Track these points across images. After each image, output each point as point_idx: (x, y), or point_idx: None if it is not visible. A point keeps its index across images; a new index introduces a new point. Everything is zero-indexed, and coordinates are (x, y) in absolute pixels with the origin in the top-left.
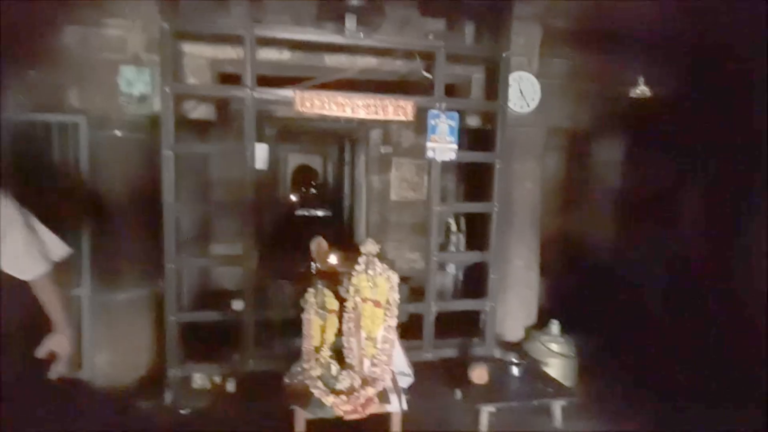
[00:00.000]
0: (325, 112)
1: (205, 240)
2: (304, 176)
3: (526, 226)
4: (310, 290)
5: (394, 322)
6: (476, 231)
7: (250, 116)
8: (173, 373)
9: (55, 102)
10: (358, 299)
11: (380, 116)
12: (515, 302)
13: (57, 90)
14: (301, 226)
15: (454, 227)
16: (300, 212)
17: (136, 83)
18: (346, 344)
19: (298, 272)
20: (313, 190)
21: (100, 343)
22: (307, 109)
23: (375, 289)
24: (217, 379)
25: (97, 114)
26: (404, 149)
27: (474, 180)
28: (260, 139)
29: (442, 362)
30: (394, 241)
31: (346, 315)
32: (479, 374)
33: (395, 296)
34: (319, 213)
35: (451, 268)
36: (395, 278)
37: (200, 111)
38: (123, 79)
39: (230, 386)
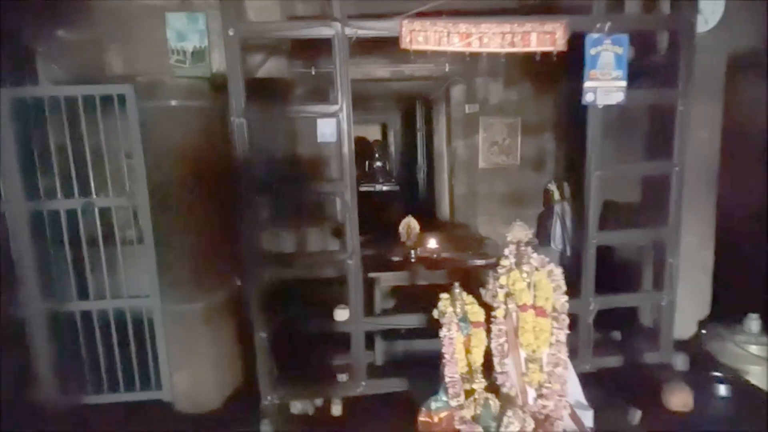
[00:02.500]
0: (443, 47)
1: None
2: (362, 147)
3: (701, 192)
4: (444, 296)
5: (563, 335)
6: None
7: (341, 61)
8: (268, 398)
9: (94, 69)
10: (512, 306)
11: (519, 48)
12: (685, 290)
13: (95, 53)
14: (367, 203)
15: (557, 195)
16: (363, 188)
17: (189, 34)
18: (498, 368)
19: (392, 262)
20: (378, 163)
21: (177, 360)
22: (418, 44)
23: (534, 291)
24: (319, 402)
25: (145, 80)
26: (493, 106)
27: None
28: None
29: (607, 375)
30: (485, 215)
31: (495, 328)
32: (682, 399)
33: (563, 299)
34: (385, 188)
35: (557, 243)
36: (559, 274)
37: (268, 67)
38: (172, 31)
39: (336, 409)
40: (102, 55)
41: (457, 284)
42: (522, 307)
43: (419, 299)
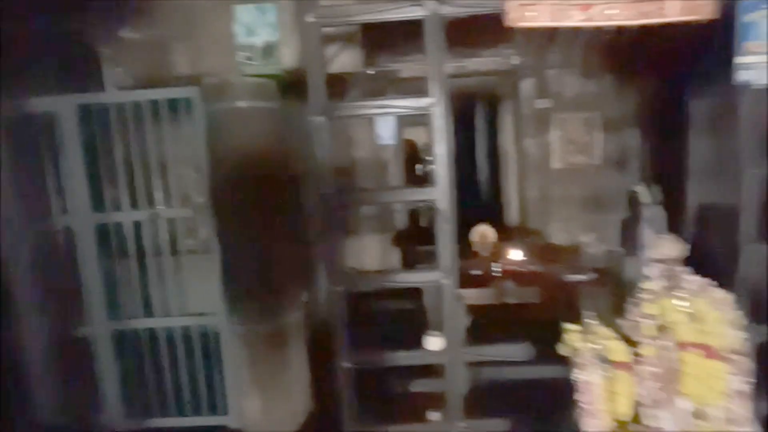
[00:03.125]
0: (558, 23)
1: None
2: (409, 151)
3: None
4: (572, 328)
5: (745, 384)
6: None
7: (435, 46)
8: None
9: (159, 71)
10: (665, 342)
11: (654, 18)
12: None
13: (160, 54)
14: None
15: (646, 197)
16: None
17: (258, 28)
18: (650, 422)
19: (472, 277)
20: (429, 166)
21: (247, 385)
22: (527, 20)
23: (697, 325)
24: None
25: (211, 81)
26: (568, 101)
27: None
28: None
29: None
30: (559, 220)
31: (644, 370)
32: None
33: (739, 335)
34: None
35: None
36: (730, 301)
37: (343, 61)
38: (240, 26)
39: None
40: (167, 55)
41: (588, 311)
42: (683, 346)
43: (510, 321)
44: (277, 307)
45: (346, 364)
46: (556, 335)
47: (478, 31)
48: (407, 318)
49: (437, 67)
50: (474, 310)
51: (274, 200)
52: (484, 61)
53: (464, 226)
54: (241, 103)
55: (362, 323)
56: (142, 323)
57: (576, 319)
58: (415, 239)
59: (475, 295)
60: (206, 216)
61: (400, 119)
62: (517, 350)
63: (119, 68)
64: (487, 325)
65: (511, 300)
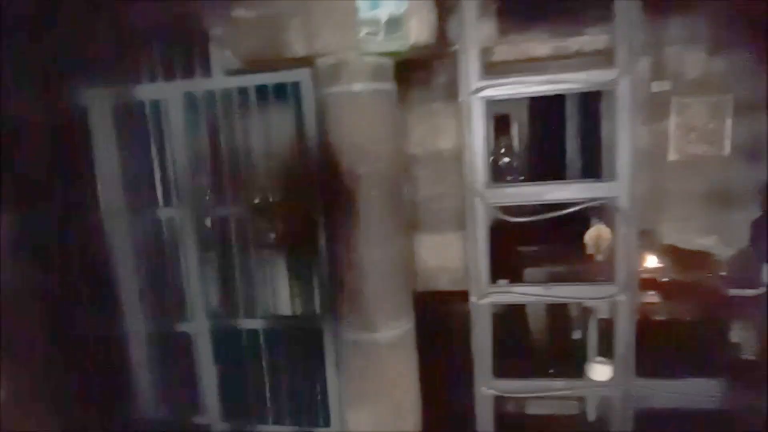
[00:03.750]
0: None
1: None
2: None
3: None
4: None
5: None
6: None
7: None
8: None
9: (272, 53)
10: None
11: None
12: None
13: (273, 33)
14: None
15: None
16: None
17: (384, 1)
18: None
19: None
20: (504, 159)
21: (353, 397)
22: None
23: None
24: None
25: (326, 61)
26: (690, 82)
27: None
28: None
29: None
30: (675, 219)
31: None
32: None
33: None
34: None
35: None
36: None
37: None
38: None
39: None
40: (280, 35)
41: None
42: None
43: (658, 341)
44: (394, 314)
45: (486, 390)
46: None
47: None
48: (556, 338)
49: (626, 35)
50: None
51: (389, 195)
52: (591, 41)
53: (559, 225)
54: (358, 86)
55: (504, 342)
56: (244, 323)
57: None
58: (514, 237)
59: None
60: (315, 212)
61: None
62: (709, 386)
63: (227, 51)
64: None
65: (659, 316)
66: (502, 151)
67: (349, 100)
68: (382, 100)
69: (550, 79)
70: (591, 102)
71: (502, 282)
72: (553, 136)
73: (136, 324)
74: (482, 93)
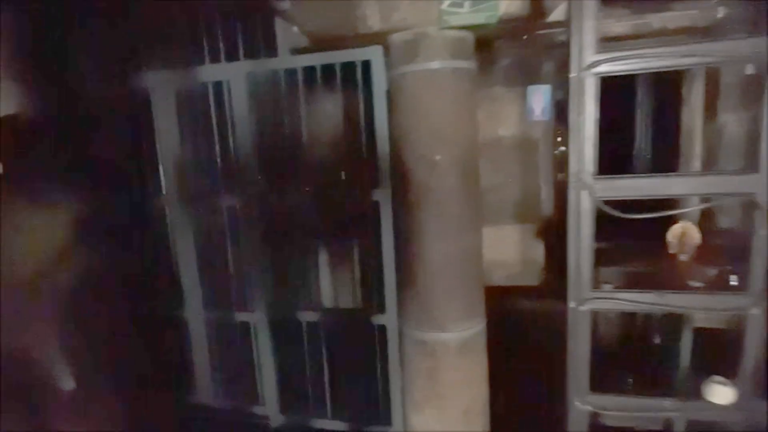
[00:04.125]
0: None
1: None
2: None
3: None
4: None
5: None
6: None
7: None
8: None
9: (344, 28)
10: None
11: None
12: None
13: (346, 6)
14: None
15: None
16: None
17: None
18: None
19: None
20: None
21: (418, 398)
22: None
23: None
24: None
25: (401, 37)
26: None
27: None
28: (531, 79)
29: None
30: None
31: None
32: None
33: None
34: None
35: None
36: None
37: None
38: None
39: None
40: (354, 8)
41: None
42: None
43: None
44: (465, 313)
45: (581, 405)
46: None
47: None
48: (640, 347)
49: None
50: (710, 337)
51: (466, 185)
52: (677, 17)
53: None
54: (436, 64)
55: (604, 352)
56: (304, 315)
57: None
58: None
59: (704, 316)
60: (383, 201)
61: (555, 90)
62: None
63: (295, 28)
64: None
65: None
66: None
67: (426, 79)
68: (462, 79)
69: (681, 52)
70: (664, 87)
71: (607, 286)
72: (624, 125)
73: (197, 311)
74: (597, 68)
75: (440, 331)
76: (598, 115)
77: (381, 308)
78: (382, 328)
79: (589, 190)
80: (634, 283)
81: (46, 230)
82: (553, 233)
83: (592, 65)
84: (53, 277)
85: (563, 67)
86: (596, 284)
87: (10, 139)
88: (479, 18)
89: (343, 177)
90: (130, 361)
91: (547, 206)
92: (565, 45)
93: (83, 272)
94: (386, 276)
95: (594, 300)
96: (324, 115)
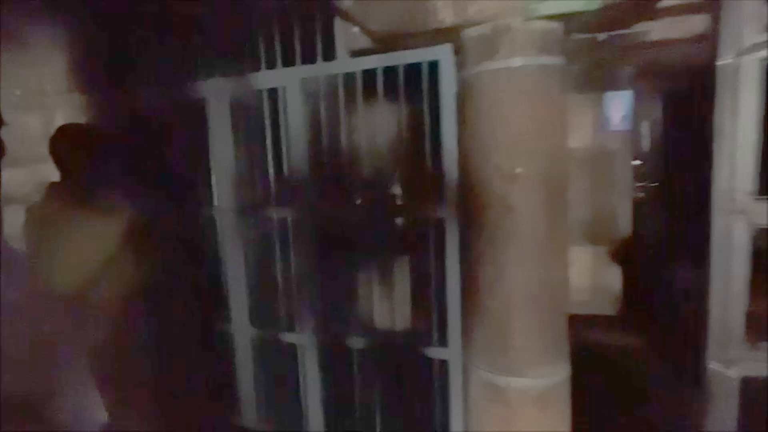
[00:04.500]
0: None
1: None
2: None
3: None
4: None
5: None
6: None
7: None
8: None
9: (412, 24)
10: None
11: None
12: None
13: (410, 2)
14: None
15: None
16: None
17: None
18: None
19: None
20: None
21: None
22: None
23: None
24: None
25: (477, 32)
26: None
27: None
28: (610, 85)
29: None
30: None
31: None
32: None
33: None
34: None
35: None
36: None
37: None
38: None
39: None
40: (424, 1)
41: None
42: None
43: None
44: (548, 356)
45: None
46: None
47: None
48: None
49: None
50: None
51: (553, 203)
52: None
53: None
54: (519, 61)
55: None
56: (356, 341)
57: None
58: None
59: None
60: (450, 221)
61: (637, 99)
62: None
63: (356, 27)
64: None
65: None
66: None
67: (507, 79)
68: (548, 78)
69: None
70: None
71: (763, 345)
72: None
73: (243, 329)
74: (761, 52)
75: (517, 375)
76: (762, 114)
77: (443, 341)
78: (444, 363)
79: (746, 216)
80: None
81: (99, 239)
82: (631, 257)
83: (754, 47)
84: (104, 287)
85: (649, 70)
86: (750, 341)
87: (68, 147)
88: (576, 4)
89: (401, 190)
90: (175, 376)
91: (623, 226)
92: (656, 44)
93: (132, 284)
94: (450, 304)
95: (747, 363)
96: (385, 123)
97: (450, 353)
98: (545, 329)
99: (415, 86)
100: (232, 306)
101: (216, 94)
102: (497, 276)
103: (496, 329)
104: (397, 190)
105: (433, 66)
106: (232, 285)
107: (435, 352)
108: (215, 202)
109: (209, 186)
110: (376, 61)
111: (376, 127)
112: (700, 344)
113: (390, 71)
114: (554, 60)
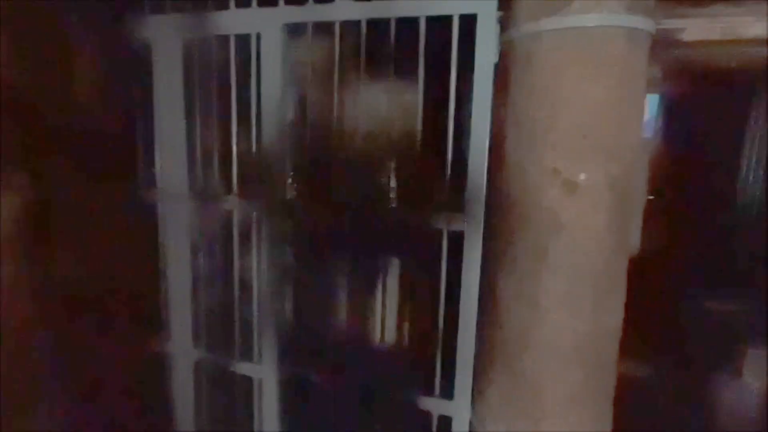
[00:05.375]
0: None
1: None
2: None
3: None
4: None
5: None
6: None
7: None
8: None
9: None
10: None
11: None
12: None
13: None
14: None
15: None
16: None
17: None
18: None
19: None
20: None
21: None
22: None
23: None
24: None
25: None
26: None
27: None
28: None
29: None
30: None
31: None
32: None
33: None
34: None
35: None
36: None
37: None
38: None
39: None
40: None
41: None
42: None
43: None
44: (587, 413)
45: None
46: None
47: None
48: None
49: None
50: None
51: (622, 216)
52: None
53: None
54: (594, 18)
55: None
56: (330, 380)
57: None
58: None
59: None
60: (471, 237)
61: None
62: None
63: None
64: None
65: None
66: None
67: (577, 43)
68: (636, 49)
69: None
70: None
71: None
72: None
73: (184, 351)
74: None
75: None
76: None
77: (448, 392)
78: (446, 420)
79: None
80: None
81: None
82: (636, 283)
83: None
84: None
85: (681, 69)
86: None
87: None
88: None
89: (399, 186)
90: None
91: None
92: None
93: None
94: (461, 347)
95: None
96: (393, 95)
97: (455, 409)
98: (588, 390)
99: (439, 48)
100: (173, 320)
101: (164, 37)
102: (534, 320)
103: (525, 390)
104: (401, 187)
105: (468, 21)
106: (173, 293)
107: (435, 405)
108: (158, 184)
109: (151, 162)
110: (388, 9)
111: (380, 100)
112: None
113: (406, 24)
114: (646, 24)
